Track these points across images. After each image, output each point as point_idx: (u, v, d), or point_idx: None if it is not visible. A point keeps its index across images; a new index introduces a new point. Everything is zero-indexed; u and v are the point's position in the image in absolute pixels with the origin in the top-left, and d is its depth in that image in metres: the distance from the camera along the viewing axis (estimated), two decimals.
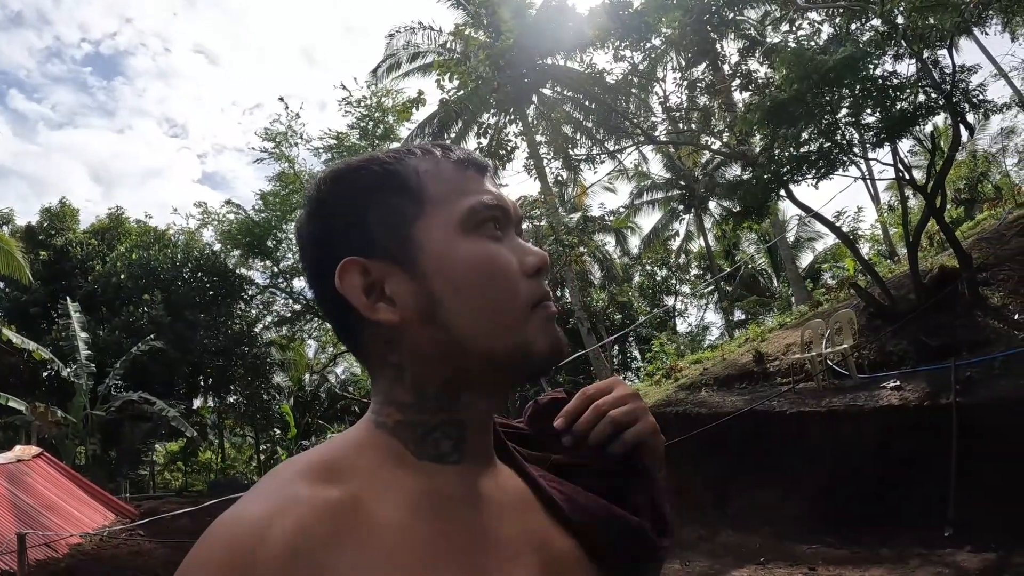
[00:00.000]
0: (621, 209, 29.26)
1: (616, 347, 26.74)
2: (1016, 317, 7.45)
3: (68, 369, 15.23)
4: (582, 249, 20.80)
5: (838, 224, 13.49)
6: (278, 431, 25.10)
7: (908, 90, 8.35)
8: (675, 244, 29.82)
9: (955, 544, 5.90)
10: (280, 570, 0.50)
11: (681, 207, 27.68)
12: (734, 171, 19.36)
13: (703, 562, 7.63)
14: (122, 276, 21.01)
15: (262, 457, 26.74)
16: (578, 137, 19.26)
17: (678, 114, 14.20)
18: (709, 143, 15.23)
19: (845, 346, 8.85)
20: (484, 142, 18.87)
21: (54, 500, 8.81)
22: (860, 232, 24.01)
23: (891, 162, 9.24)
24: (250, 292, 22.77)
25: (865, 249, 21.46)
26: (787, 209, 21.01)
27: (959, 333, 7.69)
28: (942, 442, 6.49)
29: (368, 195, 0.67)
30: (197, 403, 24.99)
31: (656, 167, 27.57)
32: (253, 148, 26.53)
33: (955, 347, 7.48)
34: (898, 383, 7.79)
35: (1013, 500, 5.72)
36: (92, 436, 15.32)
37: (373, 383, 0.68)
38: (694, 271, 30.72)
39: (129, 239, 23.05)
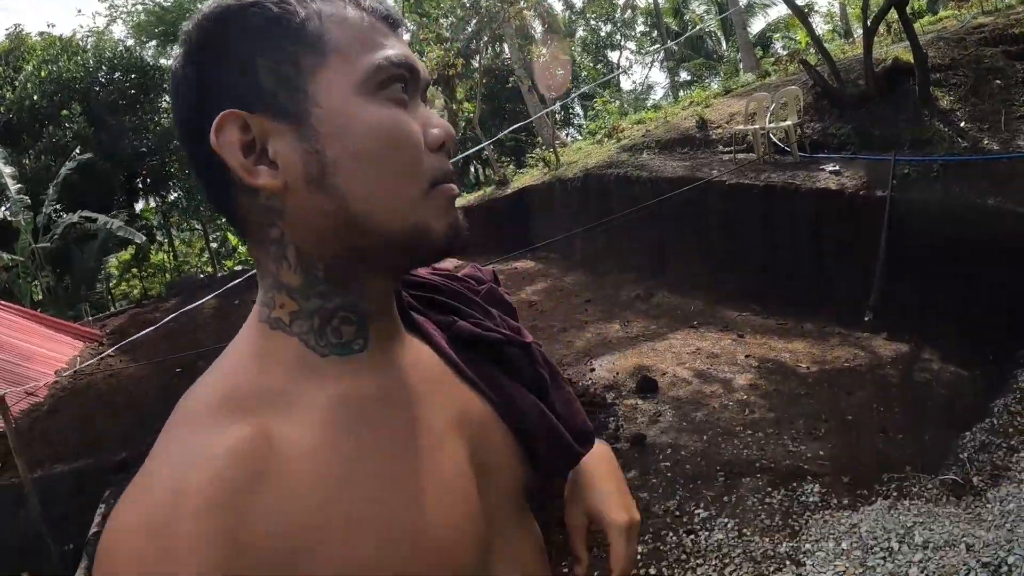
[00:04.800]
0: None
1: (558, 103, 26.16)
2: (962, 124, 7.38)
3: (3, 209, 14.22)
4: (523, 3, 19.38)
5: None
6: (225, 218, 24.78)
7: None
8: None
9: (873, 330, 6.39)
10: (201, 530, 0.47)
11: None
12: None
13: (641, 322, 7.99)
14: (35, 97, 18.97)
15: (213, 246, 26.71)
16: None
17: None
18: None
19: (789, 123, 8.78)
20: None
21: (21, 346, 8.86)
22: (816, 6, 22.59)
23: None
24: None
25: (819, 22, 20.35)
26: None
27: (903, 128, 7.60)
28: (872, 232, 6.69)
29: (259, 38, 0.57)
30: (139, 207, 24.32)
31: None
32: None
33: (897, 141, 7.47)
34: (837, 167, 7.88)
35: (930, 300, 6.14)
36: (43, 270, 14.82)
37: (258, 264, 0.62)
38: (640, 28, 29.05)
39: (35, 56, 20.47)
